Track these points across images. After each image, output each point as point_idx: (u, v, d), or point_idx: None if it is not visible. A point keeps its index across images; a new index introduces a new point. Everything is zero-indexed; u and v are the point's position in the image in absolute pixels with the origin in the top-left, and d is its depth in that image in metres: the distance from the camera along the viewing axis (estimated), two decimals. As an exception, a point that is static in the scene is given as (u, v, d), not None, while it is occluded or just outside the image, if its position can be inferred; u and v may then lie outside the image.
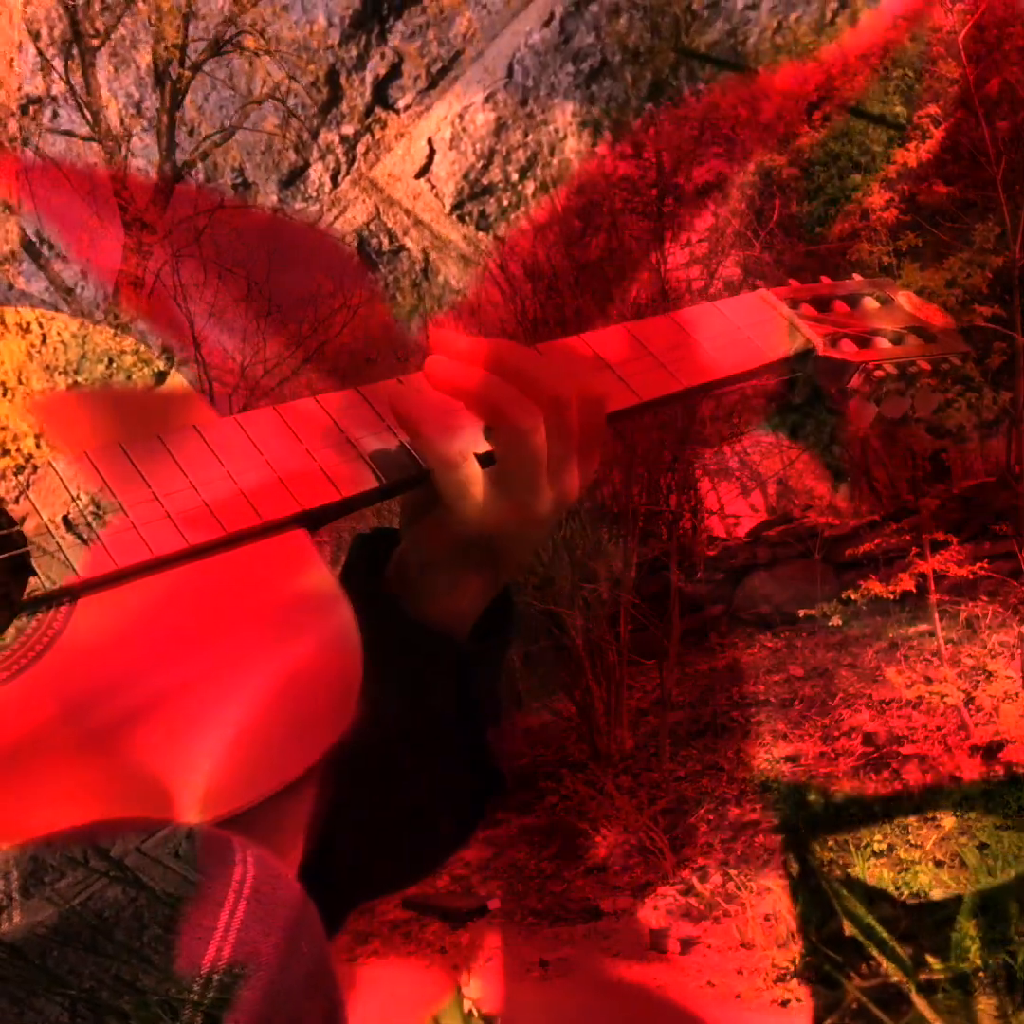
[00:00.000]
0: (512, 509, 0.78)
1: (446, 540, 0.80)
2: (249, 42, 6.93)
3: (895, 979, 3.84)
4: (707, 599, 7.14)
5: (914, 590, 5.74)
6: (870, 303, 0.97)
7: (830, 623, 6.11)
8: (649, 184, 6.60)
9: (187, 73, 6.88)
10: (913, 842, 4.91)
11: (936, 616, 5.78)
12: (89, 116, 7.00)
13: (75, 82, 6.88)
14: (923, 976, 3.84)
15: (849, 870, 4.78)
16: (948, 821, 4.93)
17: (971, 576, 5.71)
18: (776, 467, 7.08)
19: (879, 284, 0.98)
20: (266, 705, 0.65)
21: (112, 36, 6.96)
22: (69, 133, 6.94)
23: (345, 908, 0.82)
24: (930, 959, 3.91)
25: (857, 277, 0.98)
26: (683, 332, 0.90)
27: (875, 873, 4.73)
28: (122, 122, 7.09)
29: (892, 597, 5.70)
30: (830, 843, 5.05)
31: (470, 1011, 4.03)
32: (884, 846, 4.93)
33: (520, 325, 6.61)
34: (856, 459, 6.71)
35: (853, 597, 5.87)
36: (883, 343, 0.92)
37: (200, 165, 7.36)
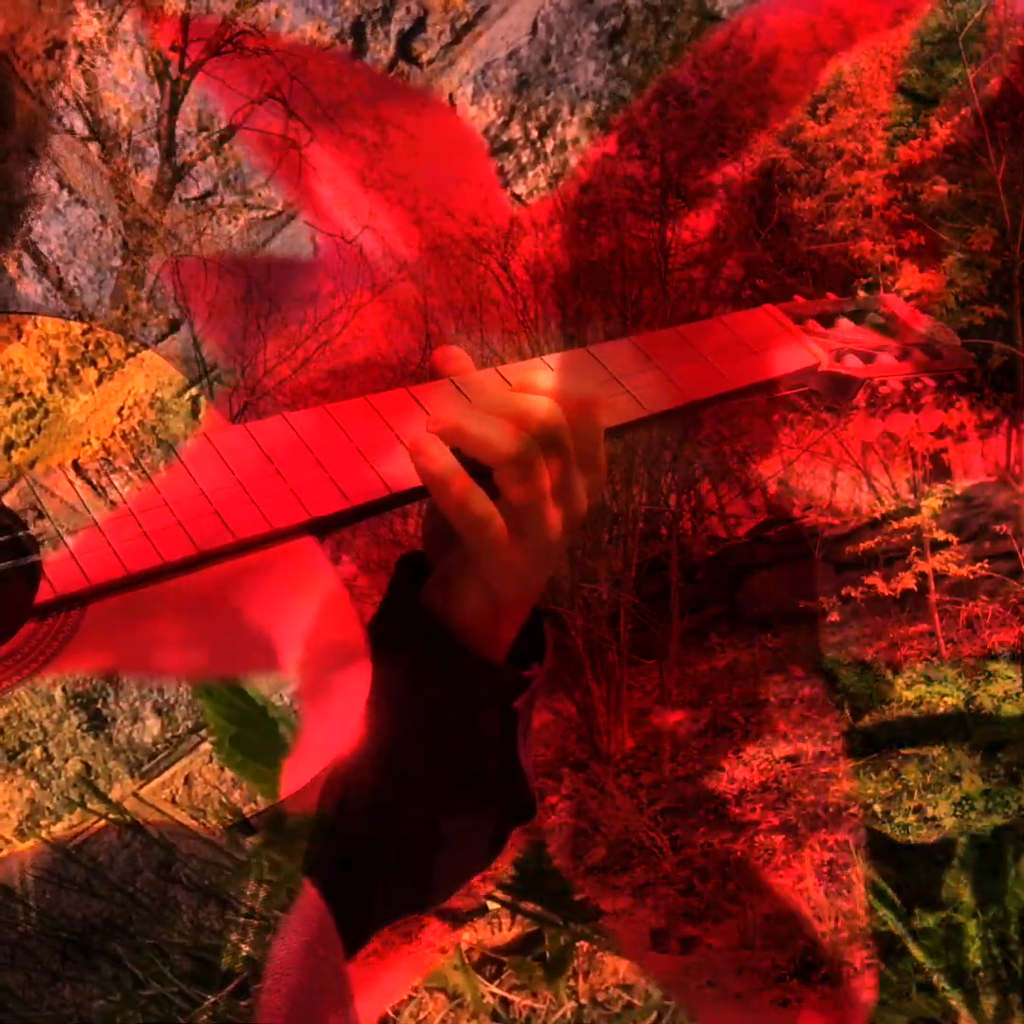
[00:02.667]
0: (525, 542, 0.78)
1: (472, 571, 0.80)
2: (250, 42, 6.93)
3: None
4: (707, 599, 7.14)
5: (914, 590, 5.75)
6: (875, 319, 0.97)
7: (829, 621, 6.12)
8: (653, 183, 6.59)
9: (186, 76, 6.89)
10: (913, 842, 4.92)
11: (936, 616, 5.79)
12: (88, 116, 7.00)
13: (76, 81, 6.88)
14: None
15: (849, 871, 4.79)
16: (948, 821, 4.94)
17: (971, 576, 5.72)
18: (776, 467, 7.07)
19: (884, 300, 0.99)
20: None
21: (111, 36, 6.96)
22: (69, 133, 6.94)
23: (371, 928, 0.83)
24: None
25: (862, 293, 0.99)
26: (689, 345, 0.91)
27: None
28: (122, 122, 7.10)
29: (893, 595, 5.72)
30: (830, 843, 5.06)
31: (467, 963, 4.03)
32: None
33: (522, 325, 6.60)
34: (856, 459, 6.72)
35: (853, 595, 5.88)
36: (888, 359, 0.93)
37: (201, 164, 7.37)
